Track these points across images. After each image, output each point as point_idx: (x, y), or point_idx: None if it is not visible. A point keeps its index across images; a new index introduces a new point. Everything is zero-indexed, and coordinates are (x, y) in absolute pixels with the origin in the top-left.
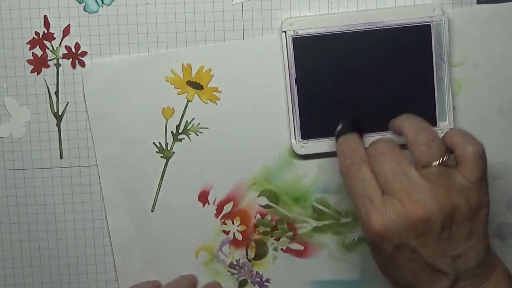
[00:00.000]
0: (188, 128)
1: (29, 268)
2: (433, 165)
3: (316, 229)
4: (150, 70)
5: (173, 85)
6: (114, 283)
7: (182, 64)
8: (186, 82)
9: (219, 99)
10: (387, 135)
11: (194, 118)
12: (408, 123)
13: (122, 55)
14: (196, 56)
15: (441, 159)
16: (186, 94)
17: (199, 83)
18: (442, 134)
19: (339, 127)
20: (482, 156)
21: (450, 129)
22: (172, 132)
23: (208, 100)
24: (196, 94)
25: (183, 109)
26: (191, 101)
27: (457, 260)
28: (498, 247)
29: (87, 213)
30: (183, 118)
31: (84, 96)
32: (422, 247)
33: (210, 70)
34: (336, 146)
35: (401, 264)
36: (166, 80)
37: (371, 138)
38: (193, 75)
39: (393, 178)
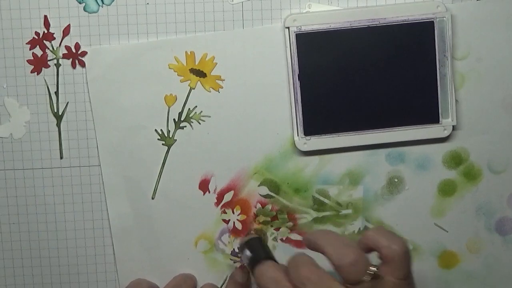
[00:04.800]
0: (190, 116)
1: (29, 268)
2: (363, 280)
3: (316, 220)
4: (154, 57)
5: (176, 73)
6: (114, 283)
7: (186, 52)
8: (189, 69)
9: (222, 88)
10: (388, 131)
11: (196, 106)
12: (326, 242)
13: None
14: (199, 44)
15: (368, 274)
16: (189, 81)
17: (202, 71)
18: (446, 132)
19: (248, 254)
20: (407, 252)
21: (369, 229)
22: (174, 119)
23: (211, 88)
24: (199, 82)
25: (185, 96)
26: (194, 88)
27: None
28: (498, 242)
29: (87, 213)
30: (186, 106)
31: (87, 81)
32: None
33: (213, 58)
34: (254, 278)
35: None
36: (169, 68)
37: (373, 134)
38: (196, 63)
39: None
